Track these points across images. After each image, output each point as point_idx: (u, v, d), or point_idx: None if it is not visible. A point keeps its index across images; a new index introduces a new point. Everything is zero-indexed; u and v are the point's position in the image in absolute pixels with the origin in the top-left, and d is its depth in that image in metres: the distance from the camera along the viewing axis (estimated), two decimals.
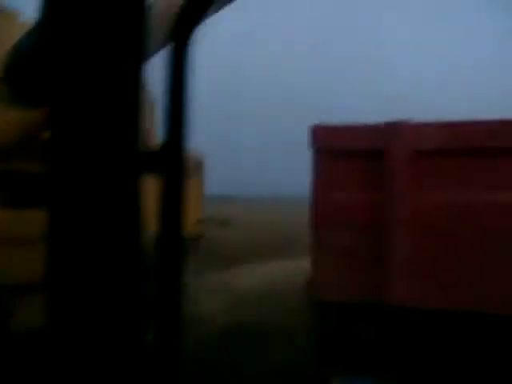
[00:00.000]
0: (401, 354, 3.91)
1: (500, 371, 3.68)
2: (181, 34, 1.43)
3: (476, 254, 3.70)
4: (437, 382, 3.86)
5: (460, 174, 3.78)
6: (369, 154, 3.98)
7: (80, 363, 1.30)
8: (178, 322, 1.46)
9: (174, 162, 1.47)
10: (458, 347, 3.77)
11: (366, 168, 3.98)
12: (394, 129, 3.89)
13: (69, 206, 1.31)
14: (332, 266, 4.02)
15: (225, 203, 17.38)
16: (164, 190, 1.47)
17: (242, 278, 9.32)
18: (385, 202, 3.88)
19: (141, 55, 1.36)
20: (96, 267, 1.30)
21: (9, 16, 4.27)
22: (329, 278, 4.02)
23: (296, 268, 7.45)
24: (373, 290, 3.87)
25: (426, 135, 3.81)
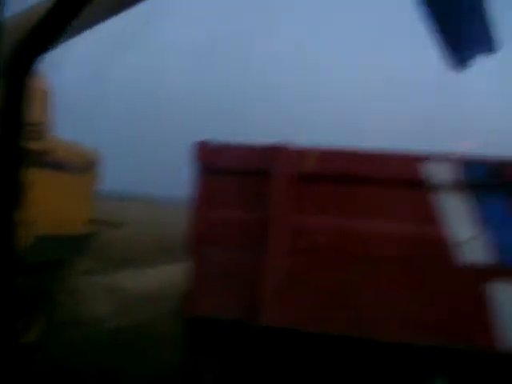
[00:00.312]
0: (271, 375, 3.89)
1: None
2: (20, 65, 1.42)
3: (350, 280, 3.73)
4: None
5: (339, 201, 3.82)
6: (251, 175, 3.97)
7: None
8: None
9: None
10: (328, 370, 3.79)
11: (248, 188, 3.97)
12: (277, 151, 3.92)
13: None
14: (207, 282, 3.99)
15: (126, 201, 16.95)
16: None
17: (133, 280, 9.17)
18: (264, 222, 3.87)
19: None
20: None
21: None
22: (203, 294, 3.98)
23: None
24: (246, 308, 3.85)
25: (309, 159, 3.84)
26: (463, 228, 3.55)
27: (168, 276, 8.60)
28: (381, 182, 3.70)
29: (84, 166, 6.59)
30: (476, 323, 3.50)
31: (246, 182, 3.96)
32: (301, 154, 3.86)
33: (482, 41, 3.66)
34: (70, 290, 6.97)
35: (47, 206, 5.20)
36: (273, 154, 3.89)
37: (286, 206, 3.85)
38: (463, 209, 3.56)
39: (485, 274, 3.48)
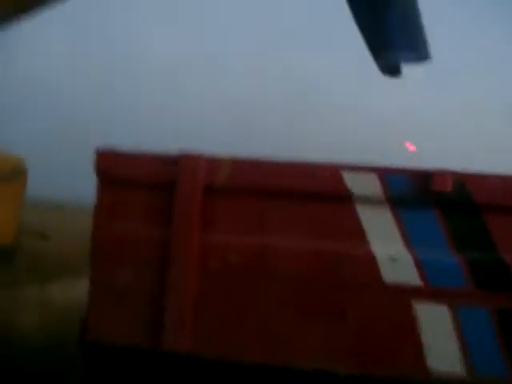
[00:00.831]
0: None
1: None
2: None
3: (263, 303, 3.46)
4: None
5: (253, 216, 3.55)
6: (155, 186, 3.66)
7: None
8: None
9: None
10: None
11: (152, 201, 3.66)
12: (183, 160, 3.60)
13: None
14: (106, 304, 3.65)
15: (54, 210, 16.45)
16: None
17: (62, 293, 8.84)
18: (169, 239, 3.56)
19: None
20: None
21: None
22: (101, 317, 3.64)
23: None
24: (148, 333, 3.55)
25: (220, 170, 3.55)
26: (388, 244, 3.37)
27: None
28: (299, 195, 3.49)
29: (8, 175, 6.36)
30: (402, 348, 3.32)
31: (150, 194, 3.67)
32: (210, 164, 3.57)
33: (412, 47, 3.67)
34: None
35: None
36: (178, 164, 3.59)
37: (192, 222, 3.54)
38: (388, 223, 3.38)
39: (411, 294, 3.31)
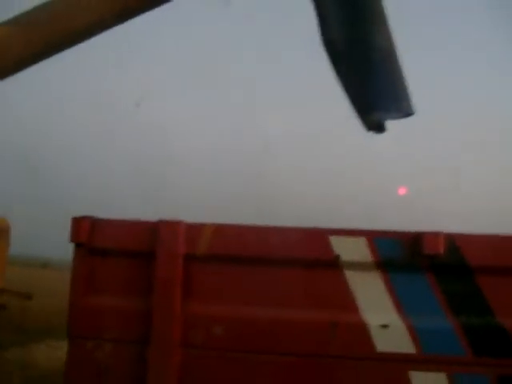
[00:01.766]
0: None
1: None
2: None
3: (252, 380, 3.26)
4: None
5: (238, 285, 3.37)
6: (134, 255, 3.48)
7: None
8: None
9: None
10: None
11: (131, 271, 3.49)
12: (164, 228, 3.44)
13: None
14: (82, 383, 3.42)
15: (40, 268, 16.22)
16: None
17: (47, 354, 8.61)
18: (150, 311, 3.36)
19: None
20: None
21: None
22: None
23: None
24: None
25: (201, 237, 3.39)
26: (379, 311, 3.20)
27: None
28: (285, 262, 3.33)
29: None
30: None
31: (129, 264, 3.48)
32: (191, 231, 3.41)
33: (396, 106, 3.63)
34: None
35: None
36: (157, 231, 3.42)
37: (172, 292, 3.35)
38: (379, 289, 3.22)
39: (406, 363, 3.13)
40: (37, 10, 3.81)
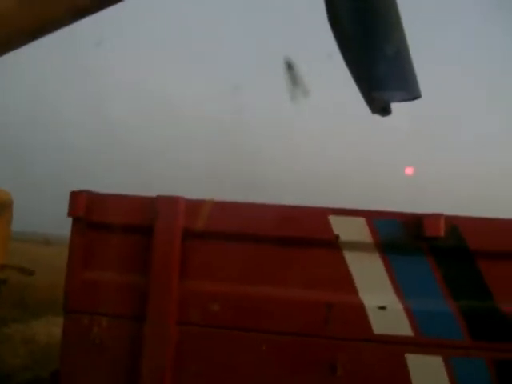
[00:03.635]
0: None
1: None
2: None
3: (249, 359, 3.24)
4: None
5: (235, 262, 3.34)
6: (132, 231, 3.46)
7: None
8: None
9: None
10: None
11: (128, 246, 3.45)
12: (162, 203, 3.42)
13: None
14: (81, 358, 3.41)
15: (43, 244, 16.30)
16: None
17: (48, 331, 8.65)
18: (147, 287, 3.35)
19: None
20: None
21: None
22: (75, 372, 3.40)
23: None
24: None
25: (199, 214, 3.36)
26: (377, 293, 3.17)
27: None
28: (283, 240, 3.30)
29: None
30: None
31: (127, 240, 3.45)
32: (190, 207, 3.38)
33: (403, 87, 3.56)
34: None
35: None
36: (156, 207, 3.40)
37: (169, 268, 3.33)
38: (378, 271, 3.18)
39: (402, 345, 3.11)
40: None
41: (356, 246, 3.21)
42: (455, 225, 3.14)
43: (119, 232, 3.47)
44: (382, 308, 3.13)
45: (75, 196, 3.53)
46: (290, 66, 3.26)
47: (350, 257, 3.22)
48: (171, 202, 3.41)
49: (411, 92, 3.52)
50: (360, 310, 3.15)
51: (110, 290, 3.45)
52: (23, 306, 9.53)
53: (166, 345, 3.30)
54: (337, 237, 3.21)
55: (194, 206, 3.39)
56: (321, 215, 3.25)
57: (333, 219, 3.23)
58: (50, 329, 8.66)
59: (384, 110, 3.58)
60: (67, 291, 3.51)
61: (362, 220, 3.21)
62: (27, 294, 9.74)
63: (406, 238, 3.17)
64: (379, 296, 3.16)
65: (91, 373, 3.40)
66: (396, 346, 3.12)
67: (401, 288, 3.16)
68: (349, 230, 3.22)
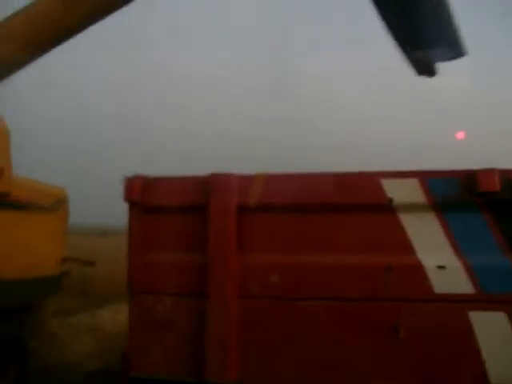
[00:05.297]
0: None
1: None
2: None
3: (310, 327, 3.28)
4: None
5: (289, 233, 3.39)
6: (188, 211, 3.54)
7: None
8: None
9: None
10: None
11: (185, 226, 3.54)
12: (216, 181, 3.47)
13: None
14: (145, 337, 3.55)
15: (100, 236, 16.66)
16: None
17: (112, 319, 8.87)
18: (206, 264, 3.43)
19: None
20: None
21: None
22: (141, 351, 3.54)
23: None
24: (190, 365, 3.42)
25: (252, 188, 3.40)
26: (436, 253, 3.16)
27: None
28: (337, 208, 3.32)
29: (51, 205, 6.41)
30: (461, 364, 3.10)
31: (183, 220, 3.55)
32: (243, 183, 3.44)
33: (447, 44, 3.46)
34: (44, 334, 6.73)
35: (11, 249, 5.00)
36: (210, 185, 3.47)
37: (227, 244, 3.40)
38: (434, 230, 3.17)
39: (465, 304, 3.10)
40: None
41: (411, 208, 3.20)
42: (510, 178, 3.09)
43: (175, 212, 3.57)
44: (442, 267, 3.12)
45: (129, 181, 3.63)
46: None
47: (405, 219, 3.21)
48: (224, 178, 3.47)
49: (457, 49, 3.44)
50: (419, 271, 3.15)
51: (170, 270, 3.56)
52: (86, 296, 9.75)
53: (228, 318, 3.38)
54: (390, 200, 3.21)
55: (247, 180, 3.44)
56: (373, 180, 3.26)
57: (385, 183, 3.23)
58: (113, 316, 8.88)
59: (429, 71, 3.52)
60: (130, 274, 3.63)
61: (415, 181, 3.20)
62: (89, 285, 9.97)
63: (461, 196, 3.14)
64: (438, 255, 3.15)
65: (158, 350, 3.53)
66: (458, 304, 3.11)
67: (459, 246, 3.15)
68: (402, 192, 3.21)
